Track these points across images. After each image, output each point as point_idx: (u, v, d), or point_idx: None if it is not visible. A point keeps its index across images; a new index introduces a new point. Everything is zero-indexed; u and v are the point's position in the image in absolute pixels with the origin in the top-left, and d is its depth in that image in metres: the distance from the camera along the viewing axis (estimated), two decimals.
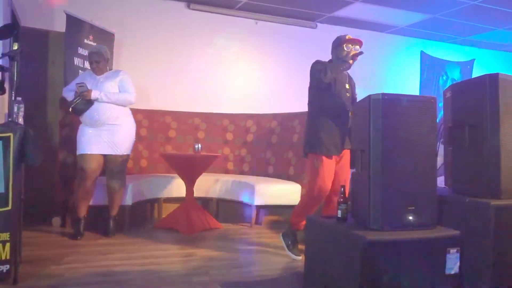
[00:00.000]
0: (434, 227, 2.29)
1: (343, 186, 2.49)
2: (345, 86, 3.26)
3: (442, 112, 3.25)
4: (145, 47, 5.26)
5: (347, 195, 2.47)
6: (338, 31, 6.37)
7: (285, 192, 4.45)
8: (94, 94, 3.60)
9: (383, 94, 2.29)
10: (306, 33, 6.14)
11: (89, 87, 3.61)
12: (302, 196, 4.15)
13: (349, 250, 2.18)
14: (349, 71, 3.28)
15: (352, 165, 2.54)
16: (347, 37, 3.16)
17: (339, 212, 2.44)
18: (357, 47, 3.13)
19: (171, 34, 5.42)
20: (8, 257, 2.43)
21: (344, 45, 3.13)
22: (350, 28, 6.29)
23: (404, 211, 2.25)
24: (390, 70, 6.66)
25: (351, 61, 3.09)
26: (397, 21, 6.04)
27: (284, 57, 6.04)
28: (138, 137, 4.52)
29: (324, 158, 3.12)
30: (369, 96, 2.32)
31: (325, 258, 2.41)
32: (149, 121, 5.01)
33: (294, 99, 5.90)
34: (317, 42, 6.20)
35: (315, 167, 3.15)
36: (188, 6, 5.50)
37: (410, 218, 2.24)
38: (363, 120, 2.36)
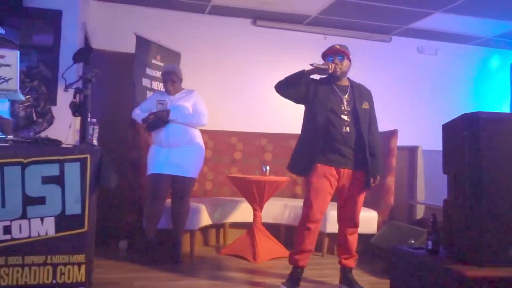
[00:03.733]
0: None
1: (434, 214, 2.39)
2: (340, 100, 3.17)
3: None
4: (209, 65, 5.45)
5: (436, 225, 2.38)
6: (414, 44, 6.32)
7: (360, 219, 4.31)
8: (171, 115, 3.76)
9: (480, 113, 2.20)
10: (379, 47, 6.07)
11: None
12: None
13: (443, 287, 2.08)
14: (353, 82, 3.32)
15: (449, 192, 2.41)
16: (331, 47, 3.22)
17: (429, 243, 2.34)
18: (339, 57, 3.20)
19: (236, 52, 5.57)
20: (83, 280, 2.55)
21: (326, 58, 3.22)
22: (428, 40, 6.16)
23: (507, 245, 2.11)
24: (475, 85, 6.39)
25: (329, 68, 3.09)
26: (483, 32, 5.80)
27: (355, 73, 5.92)
28: (203, 159, 4.65)
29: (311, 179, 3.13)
30: (463, 116, 2.23)
31: None
32: (214, 142, 5.13)
33: None
34: (391, 56, 6.13)
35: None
36: (254, 23, 5.65)
37: None
38: (456, 142, 2.27)
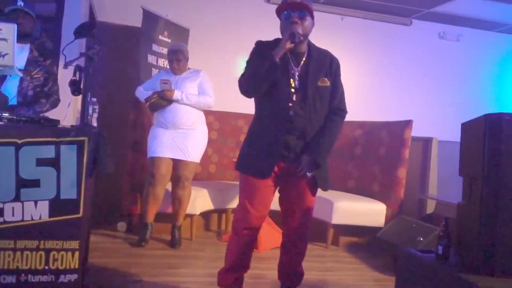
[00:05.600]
0: None
1: (447, 218, 2.31)
2: (288, 74, 2.41)
3: None
4: (219, 44, 5.33)
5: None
6: (436, 28, 6.13)
7: (368, 211, 4.28)
8: (176, 95, 3.68)
9: (504, 114, 2.09)
10: (398, 31, 5.91)
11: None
12: None
13: None
14: (313, 48, 2.50)
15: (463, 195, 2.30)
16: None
17: (440, 248, 2.26)
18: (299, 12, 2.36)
19: (248, 31, 5.42)
20: (77, 266, 2.52)
21: (281, 13, 2.41)
22: (450, 25, 5.97)
23: None
24: (498, 75, 6.21)
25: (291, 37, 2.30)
26: (509, 18, 5.60)
27: (373, 57, 5.84)
28: (208, 141, 4.58)
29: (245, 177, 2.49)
30: (484, 116, 2.12)
31: None
32: (220, 124, 5.05)
33: (384, 106, 5.72)
34: (410, 40, 5.96)
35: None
36: (268, 1, 5.49)
37: None
38: (475, 142, 2.17)
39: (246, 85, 2.42)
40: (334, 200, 4.25)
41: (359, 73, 5.78)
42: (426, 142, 4.70)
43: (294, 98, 2.38)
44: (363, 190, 4.66)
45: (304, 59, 2.45)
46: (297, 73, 2.43)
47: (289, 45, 2.31)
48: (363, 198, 4.47)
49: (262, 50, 2.43)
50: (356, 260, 3.93)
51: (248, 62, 2.49)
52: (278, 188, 2.55)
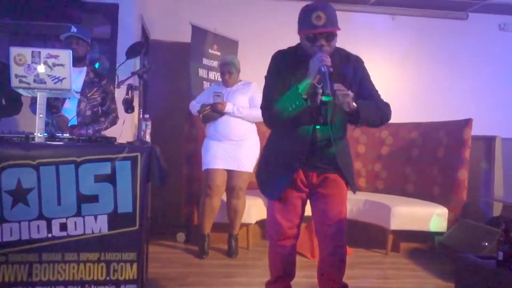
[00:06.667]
0: None
1: (506, 222, 2.19)
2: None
3: None
4: (268, 53, 5.27)
5: None
6: (495, 20, 5.82)
7: (429, 216, 4.12)
8: (227, 108, 3.77)
9: None
10: (454, 26, 5.69)
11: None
12: None
13: None
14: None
15: None
16: (313, 18, 2.09)
17: (500, 254, 2.15)
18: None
19: (297, 38, 5.43)
20: (135, 277, 2.64)
21: (306, 35, 2.16)
22: (510, 16, 5.66)
23: None
24: None
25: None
26: None
27: (427, 55, 5.65)
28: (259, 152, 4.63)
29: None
30: None
31: None
32: None
33: (440, 106, 5.52)
34: (468, 35, 5.72)
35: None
36: None
37: None
38: None
39: (272, 122, 2.27)
40: (391, 205, 4.14)
41: (414, 73, 5.62)
42: (489, 141, 4.46)
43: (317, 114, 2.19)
44: (423, 194, 4.50)
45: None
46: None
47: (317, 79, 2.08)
48: (423, 202, 4.32)
49: (281, 68, 2.27)
50: (417, 267, 3.80)
51: (269, 86, 2.29)
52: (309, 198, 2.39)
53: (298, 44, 2.28)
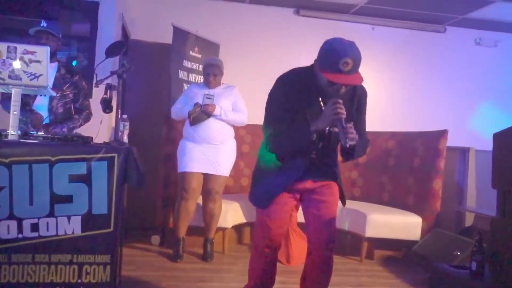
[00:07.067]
0: None
1: (481, 233, 2.23)
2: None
3: None
4: (249, 57, 5.38)
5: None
6: (472, 35, 5.97)
7: (403, 225, 4.17)
8: (216, 110, 3.74)
9: None
10: (432, 38, 5.81)
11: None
12: None
13: None
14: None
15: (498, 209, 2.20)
16: (341, 64, 2.01)
17: (474, 264, 2.19)
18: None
19: (278, 44, 5.47)
20: (108, 280, 2.58)
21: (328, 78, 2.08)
22: (487, 31, 5.81)
23: None
24: None
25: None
26: None
27: (406, 66, 5.75)
28: (240, 154, 4.60)
29: None
30: None
31: None
32: (252, 137, 5.06)
33: (416, 116, 5.62)
34: (445, 48, 5.84)
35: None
36: (297, 13, 5.51)
37: None
38: (508, 153, 2.09)
39: (279, 152, 2.28)
40: (367, 212, 4.18)
41: (391, 83, 5.71)
42: (463, 152, 4.56)
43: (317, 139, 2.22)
44: (398, 203, 4.55)
45: None
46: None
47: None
48: (398, 211, 4.37)
49: (291, 98, 2.21)
50: (391, 275, 3.83)
51: (277, 116, 2.23)
52: (301, 203, 2.44)
53: (307, 69, 2.26)
